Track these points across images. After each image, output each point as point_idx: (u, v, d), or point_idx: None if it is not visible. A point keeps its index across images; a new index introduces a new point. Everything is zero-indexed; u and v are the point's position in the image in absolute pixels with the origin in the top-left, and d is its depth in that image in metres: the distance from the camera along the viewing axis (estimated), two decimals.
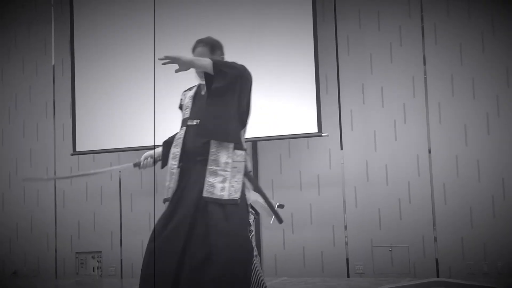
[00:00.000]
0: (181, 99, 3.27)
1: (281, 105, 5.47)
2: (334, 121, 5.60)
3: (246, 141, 5.38)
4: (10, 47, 6.86)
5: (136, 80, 5.90)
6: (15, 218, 6.67)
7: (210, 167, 2.92)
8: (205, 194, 2.88)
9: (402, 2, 5.53)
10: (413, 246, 5.32)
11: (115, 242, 6.27)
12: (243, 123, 3.07)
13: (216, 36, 5.85)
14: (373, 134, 5.54)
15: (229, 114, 2.98)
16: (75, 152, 6.20)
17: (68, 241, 6.44)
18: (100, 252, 6.30)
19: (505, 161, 5.14)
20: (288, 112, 5.47)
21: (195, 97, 3.16)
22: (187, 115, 3.12)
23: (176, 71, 2.88)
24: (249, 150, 5.41)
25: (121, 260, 6.23)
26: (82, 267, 6.36)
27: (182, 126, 3.13)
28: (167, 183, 3.06)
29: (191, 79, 5.56)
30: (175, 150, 3.06)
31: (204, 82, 3.05)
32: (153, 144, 5.50)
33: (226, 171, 2.92)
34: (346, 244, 5.52)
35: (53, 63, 6.67)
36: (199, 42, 3.19)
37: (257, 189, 3.12)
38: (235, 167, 2.95)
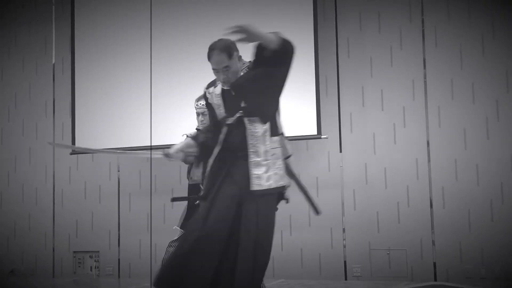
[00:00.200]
0: (207, 98, 3.22)
1: (280, 106, 5.45)
2: (334, 123, 5.60)
3: None
4: (10, 46, 6.86)
5: (136, 80, 5.90)
6: (13, 216, 6.67)
7: (252, 159, 2.93)
8: (254, 187, 2.90)
9: (403, 5, 5.53)
10: (411, 249, 5.32)
11: (113, 242, 6.26)
12: (278, 105, 3.10)
13: (216, 36, 5.87)
14: (372, 136, 5.54)
15: (273, 95, 3.03)
16: (74, 151, 6.20)
17: (66, 240, 6.44)
18: (98, 251, 6.29)
19: (504, 165, 5.14)
20: (288, 114, 5.43)
21: (224, 94, 3.11)
22: (222, 114, 3.10)
23: (239, 40, 2.82)
24: None
25: (119, 259, 6.23)
26: (79, 266, 6.36)
27: (214, 125, 3.13)
28: (204, 184, 3.07)
29: (192, 79, 5.58)
30: (216, 150, 3.07)
31: (224, 86, 3.04)
32: (147, 145, 5.53)
33: (267, 160, 2.95)
34: (344, 246, 5.52)
35: (53, 62, 6.67)
36: (214, 49, 3.06)
37: (292, 176, 3.12)
38: (273, 154, 2.97)
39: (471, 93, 5.29)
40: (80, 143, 6.13)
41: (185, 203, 4.10)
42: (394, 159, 5.44)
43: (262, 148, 2.95)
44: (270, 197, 2.97)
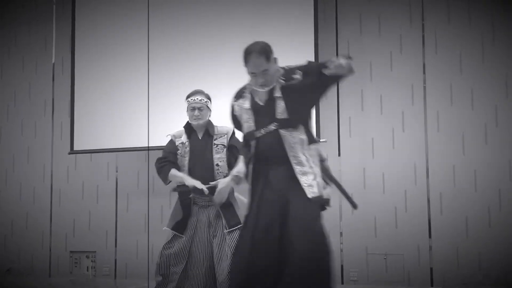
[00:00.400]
0: (235, 109, 3.22)
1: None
2: (332, 127, 5.60)
3: None
4: (10, 46, 6.86)
5: (136, 80, 5.90)
6: (11, 215, 6.66)
7: (297, 169, 2.95)
8: (310, 195, 2.91)
9: (403, 10, 5.54)
10: (408, 254, 5.31)
11: (110, 242, 6.25)
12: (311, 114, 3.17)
13: (216, 36, 5.90)
14: (371, 141, 5.54)
15: (312, 106, 3.13)
16: (72, 151, 6.20)
17: (63, 240, 6.43)
18: (95, 252, 6.28)
19: (502, 172, 5.14)
20: None
21: (253, 108, 3.10)
22: (251, 128, 3.09)
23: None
24: None
25: (115, 260, 6.22)
26: (76, 266, 6.35)
27: (247, 138, 3.14)
28: (248, 197, 3.09)
29: (192, 79, 5.57)
30: (251, 164, 3.10)
31: (261, 89, 3.02)
32: (147, 146, 5.53)
33: (311, 167, 2.98)
34: (341, 250, 5.51)
35: (53, 62, 6.67)
36: (251, 53, 2.98)
37: (330, 177, 3.13)
38: (315, 162, 3.01)
39: (470, 98, 5.30)
40: (79, 143, 6.14)
41: (173, 203, 4.08)
42: (392, 164, 5.44)
43: (303, 157, 2.97)
44: (322, 202, 2.99)
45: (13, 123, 6.77)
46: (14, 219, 6.65)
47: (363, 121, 5.57)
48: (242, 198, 3.82)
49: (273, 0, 5.63)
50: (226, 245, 3.79)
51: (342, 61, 2.85)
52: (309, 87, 2.96)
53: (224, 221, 3.84)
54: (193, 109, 3.97)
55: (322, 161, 3.10)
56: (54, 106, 6.61)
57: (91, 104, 6.13)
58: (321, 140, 5.38)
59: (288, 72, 3.02)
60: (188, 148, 3.96)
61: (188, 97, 4.03)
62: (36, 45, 6.73)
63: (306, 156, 2.98)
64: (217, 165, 3.90)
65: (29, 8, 6.80)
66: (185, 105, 4.06)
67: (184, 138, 4.00)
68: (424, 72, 5.44)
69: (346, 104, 5.61)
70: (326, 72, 2.89)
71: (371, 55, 5.59)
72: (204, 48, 5.78)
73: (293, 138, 2.99)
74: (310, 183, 2.93)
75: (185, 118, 4.07)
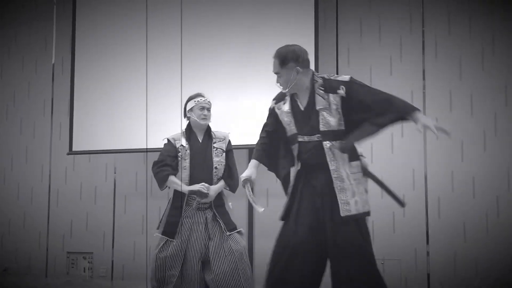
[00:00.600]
0: (274, 111, 3.21)
1: None
2: None
3: (242, 148, 5.38)
4: (10, 46, 6.85)
5: (136, 80, 5.89)
6: (9, 215, 6.65)
7: (336, 184, 2.95)
8: (343, 213, 2.91)
9: (404, 16, 5.55)
10: (405, 259, 5.32)
11: (107, 243, 6.25)
12: None
13: (216, 36, 5.88)
14: (370, 146, 5.54)
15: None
16: (71, 152, 6.19)
17: (60, 240, 6.42)
18: (92, 253, 6.27)
19: (500, 178, 5.15)
20: None
21: (294, 111, 3.10)
22: (293, 131, 3.09)
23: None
24: (245, 158, 5.39)
25: (112, 261, 6.21)
26: (73, 267, 6.34)
27: (287, 142, 3.13)
28: (286, 201, 3.10)
29: (191, 79, 5.57)
30: (294, 168, 3.10)
31: (281, 90, 3.08)
32: (145, 147, 5.53)
33: (351, 183, 2.97)
34: None
35: (53, 62, 6.67)
36: (275, 53, 3.08)
37: (369, 174, 3.15)
38: (356, 179, 2.99)
39: (469, 105, 5.31)
40: (77, 142, 6.13)
41: (163, 208, 4.15)
42: (390, 169, 5.45)
43: (343, 173, 2.97)
44: (360, 222, 2.98)
45: (12, 122, 6.76)
46: (11, 219, 6.65)
47: None
48: (230, 206, 4.09)
49: (273, 0, 5.63)
50: (225, 246, 3.88)
51: (430, 123, 2.91)
52: (370, 114, 3.06)
53: (222, 225, 3.93)
54: (203, 108, 4.02)
55: (360, 156, 3.11)
56: (54, 106, 6.61)
57: (91, 105, 6.12)
58: None
59: (328, 82, 3.02)
60: (188, 151, 3.98)
61: (194, 97, 4.06)
62: (36, 45, 6.72)
63: (346, 172, 2.98)
64: (216, 168, 4.00)
65: (29, 8, 6.80)
66: (185, 106, 4.09)
67: (183, 141, 4.02)
68: (423, 78, 5.45)
69: None
70: (410, 120, 3.03)
71: (371, 60, 5.59)
72: (204, 48, 5.78)
73: (334, 153, 2.98)
74: (347, 200, 2.93)
75: (184, 119, 4.09)
